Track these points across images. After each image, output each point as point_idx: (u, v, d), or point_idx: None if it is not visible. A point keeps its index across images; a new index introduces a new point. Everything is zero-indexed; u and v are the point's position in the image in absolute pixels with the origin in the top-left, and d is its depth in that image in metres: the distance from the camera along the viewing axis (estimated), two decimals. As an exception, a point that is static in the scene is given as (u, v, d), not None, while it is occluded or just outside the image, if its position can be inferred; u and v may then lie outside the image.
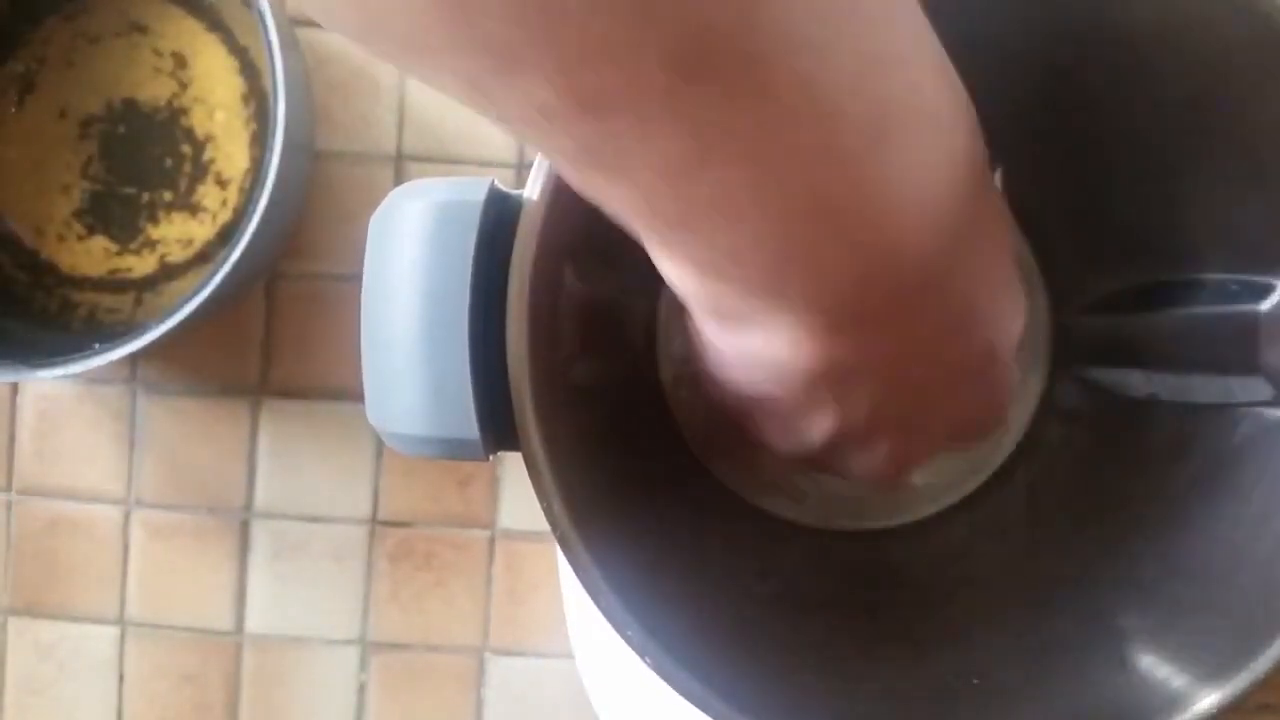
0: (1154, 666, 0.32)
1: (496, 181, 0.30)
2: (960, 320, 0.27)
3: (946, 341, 0.27)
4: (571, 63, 0.18)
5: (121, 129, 0.48)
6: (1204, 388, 0.36)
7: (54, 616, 0.50)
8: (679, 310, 0.30)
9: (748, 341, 0.26)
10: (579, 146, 0.20)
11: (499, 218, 0.29)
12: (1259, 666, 0.30)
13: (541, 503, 0.30)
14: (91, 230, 0.49)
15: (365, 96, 0.49)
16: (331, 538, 0.50)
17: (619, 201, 0.22)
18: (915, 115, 0.22)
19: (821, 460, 0.31)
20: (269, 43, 0.41)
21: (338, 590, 0.50)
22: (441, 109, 0.49)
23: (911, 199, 0.22)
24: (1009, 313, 0.29)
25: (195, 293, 0.42)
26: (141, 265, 0.49)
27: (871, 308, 0.24)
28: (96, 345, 0.43)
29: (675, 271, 0.25)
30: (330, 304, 0.49)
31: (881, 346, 0.25)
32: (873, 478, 0.32)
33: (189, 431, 0.50)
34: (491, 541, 0.50)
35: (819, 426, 0.29)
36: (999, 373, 0.30)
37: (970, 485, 0.44)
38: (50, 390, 0.50)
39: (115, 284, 0.49)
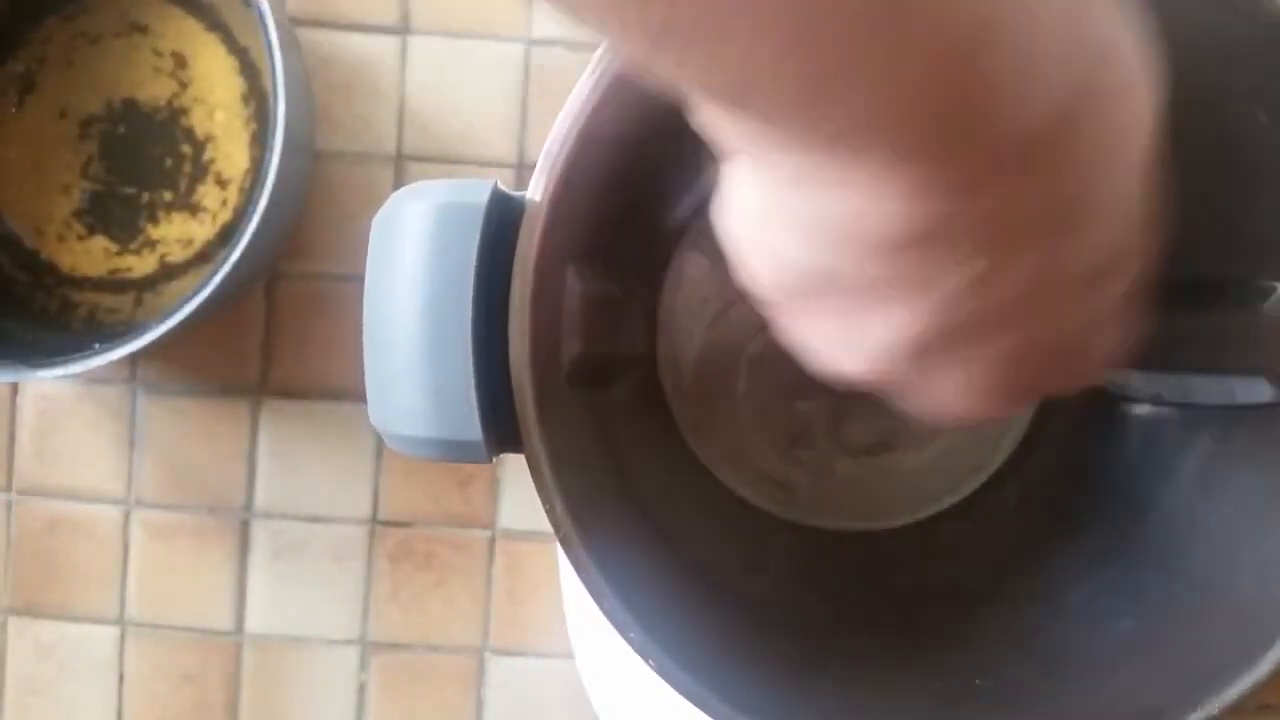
0: (1155, 667, 0.32)
1: (499, 183, 0.30)
2: (1077, 198, 0.22)
3: (1058, 225, 0.22)
4: None
5: (121, 129, 0.48)
6: (1205, 389, 0.36)
7: (54, 616, 0.50)
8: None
9: (830, 202, 0.22)
10: None
11: (501, 220, 0.29)
12: (1260, 667, 0.30)
13: (544, 504, 0.30)
14: (91, 230, 0.49)
15: (365, 96, 0.49)
16: (331, 538, 0.50)
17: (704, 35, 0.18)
18: None
19: (888, 375, 0.25)
20: (269, 43, 0.41)
21: (338, 590, 0.50)
22: (442, 109, 0.49)
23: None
24: (1141, 212, 0.24)
25: (195, 293, 0.42)
26: (141, 265, 0.49)
27: (970, 158, 0.20)
28: (96, 345, 0.43)
29: (752, 127, 0.20)
30: (330, 304, 0.49)
31: (981, 211, 0.21)
32: (944, 410, 0.26)
33: (189, 431, 0.50)
34: (491, 541, 0.50)
35: (897, 316, 0.23)
36: (1125, 299, 0.25)
37: (970, 486, 0.44)
38: (50, 390, 0.50)
39: (115, 284, 0.49)
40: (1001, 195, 0.21)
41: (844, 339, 0.25)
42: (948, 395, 0.26)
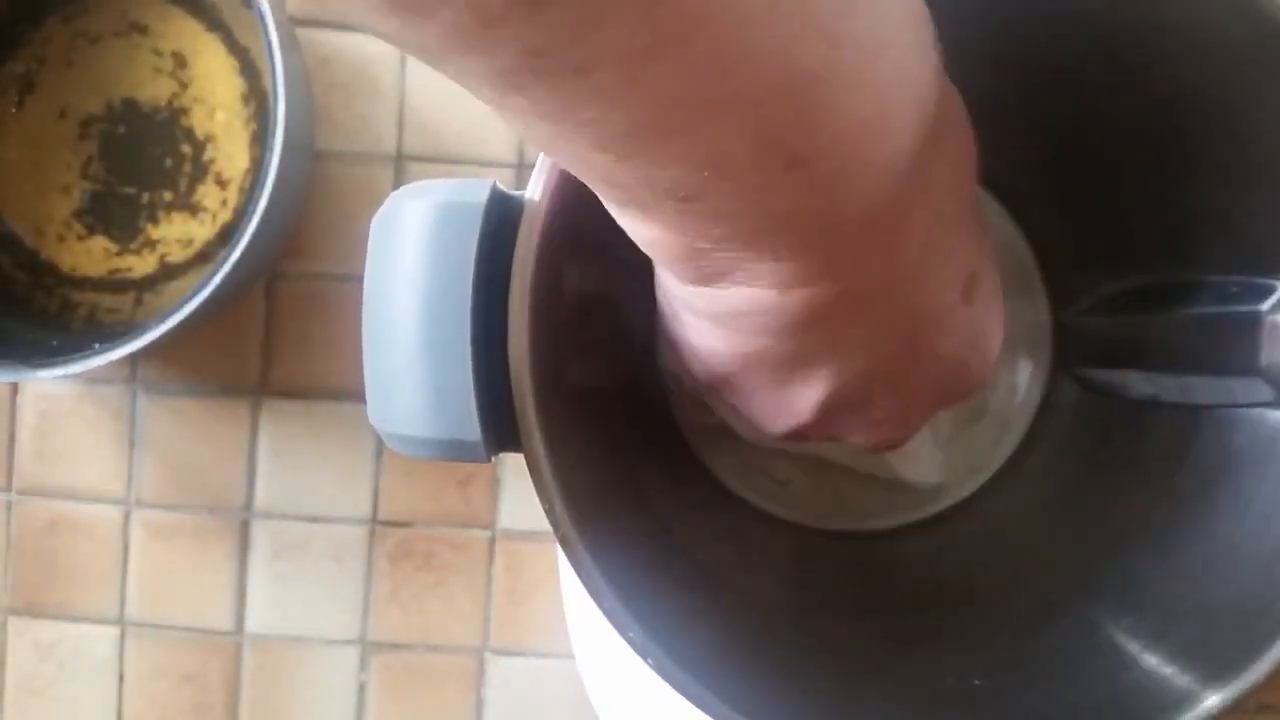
0: (1155, 668, 0.32)
1: (498, 183, 0.30)
2: (932, 246, 0.27)
3: (923, 269, 0.27)
4: None
5: (121, 129, 0.48)
6: (1205, 389, 0.36)
7: (54, 616, 0.50)
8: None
9: (733, 296, 0.26)
10: (525, 50, 0.19)
11: (500, 219, 0.29)
12: (1260, 667, 0.30)
13: (543, 504, 0.30)
14: (91, 230, 0.49)
15: (365, 96, 0.49)
16: (331, 538, 0.50)
17: (588, 147, 0.21)
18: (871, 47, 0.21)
19: (817, 427, 0.31)
20: (269, 43, 0.41)
21: (338, 590, 0.50)
22: (442, 109, 0.49)
23: (870, 122, 0.22)
24: (977, 237, 0.30)
25: (195, 293, 0.42)
26: (141, 265, 0.49)
27: (847, 239, 0.24)
28: (96, 345, 0.43)
29: (654, 232, 0.24)
30: (330, 304, 0.49)
31: (864, 279, 0.26)
32: (872, 441, 0.33)
33: (189, 431, 0.50)
34: (491, 541, 0.50)
35: (813, 382, 0.29)
36: (980, 308, 0.30)
37: (970, 486, 0.44)
38: (50, 390, 0.50)
39: (115, 284, 0.49)
40: (872, 263, 0.25)
41: (774, 408, 0.31)
42: (856, 432, 0.32)
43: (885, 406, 0.31)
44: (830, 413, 0.30)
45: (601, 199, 0.25)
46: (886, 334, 0.28)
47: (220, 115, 0.48)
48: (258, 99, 0.48)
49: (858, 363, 0.29)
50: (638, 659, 0.30)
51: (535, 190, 0.30)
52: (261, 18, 0.41)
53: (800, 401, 0.30)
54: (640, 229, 0.25)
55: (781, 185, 0.22)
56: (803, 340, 0.27)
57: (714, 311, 0.27)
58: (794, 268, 0.24)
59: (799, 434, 0.32)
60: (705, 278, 0.25)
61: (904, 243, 0.26)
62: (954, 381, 0.32)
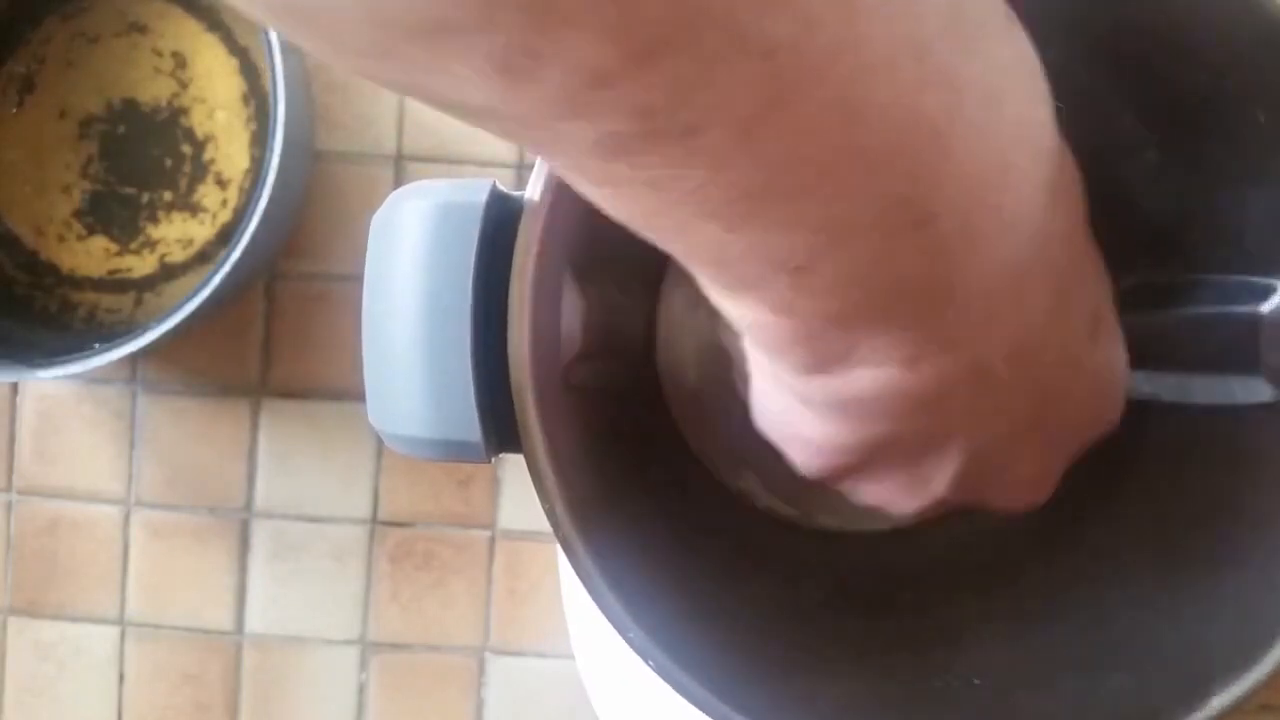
0: (1155, 668, 0.32)
1: (498, 183, 0.30)
2: (1060, 295, 0.25)
3: (1053, 322, 0.26)
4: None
5: (121, 129, 0.48)
6: (1205, 389, 0.36)
7: (54, 616, 0.50)
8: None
9: (856, 381, 0.24)
10: (635, 112, 0.17)
11: (500, 219, 0.29)
12: (1261, 667, 0.30)
13: (544, 505, 0.30)
14: (91, 230, 0.49)
15: (365, 96, 0.49)
16: (331, 538, 0.50)
17: (696, 215, 0.20)
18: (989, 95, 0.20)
19: (953, 500, 0.29)
20: (269, 43, 0.41)
21: (338, 590, 0.50)
22: (441, 109, 0.49)
23: (1000, 170, 0.21)
24: (1095, 275, 0.29)
25: (195, 293, 0.42)
26: (141, 265, 0.49)
27: (975, 301, 0.23)
28: (96, 345, 0.43)
29: (765, 315, 0.23)
30: (330, 304, 0.49)
31: (995, 342, 0.24)
32: (1012, 504, 0.31)
33: (189, 431, 0.50)
34: (491, 541, 0.50)
35: (948, 456, 0.27)
36: (1106, 344, 0.29)
37: (971, 486, 0.44)
38: (50, 390, 0.50)
39: (115, 284, 0.49)
40: (1004, 324, 0.24)
41: (907, 490, 0.29)
42: (996, 498, 0.30)
43: (1025, 466, 0.30)
44: (968, 484, 0.28)
45: (705, 284, 0.23)
46: (1021, 394, 0.26)
47: (220, 115, 0.48)
48: (258, 99, 0.48)
49: (995, 426, 0.27)
50: (638, 659, 0.30)
51: (535, 190, 0.30)
52: (261, 18, 0.41)
53: (936, 478, 0.28)
54: (750, 312, 0.23)
55: (901, 247, 0.21)
56: (935, 416, 0.26)
57: (835, 400, 0.25)
58: (920, 339, 0.23)
59: (935, 509, 0.30)
60: (823, 362, 0.24)
61: (1032, 300, 0.24)
62: (1090, 425, 0.31)
